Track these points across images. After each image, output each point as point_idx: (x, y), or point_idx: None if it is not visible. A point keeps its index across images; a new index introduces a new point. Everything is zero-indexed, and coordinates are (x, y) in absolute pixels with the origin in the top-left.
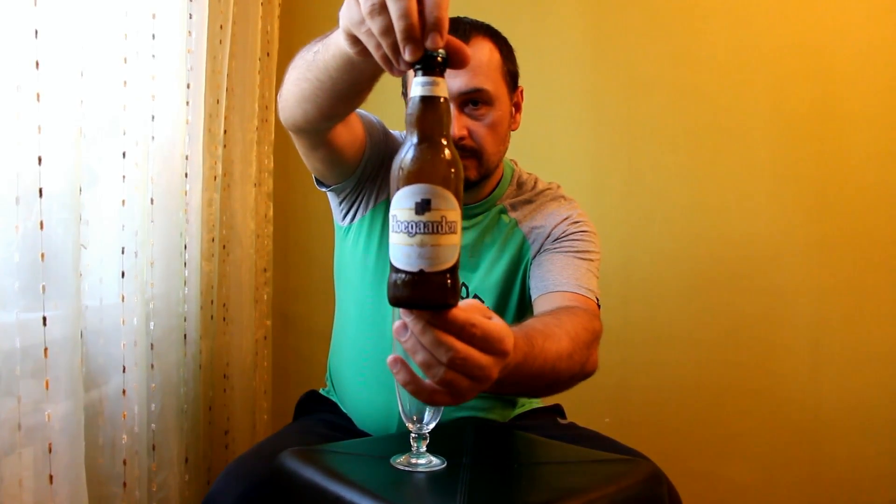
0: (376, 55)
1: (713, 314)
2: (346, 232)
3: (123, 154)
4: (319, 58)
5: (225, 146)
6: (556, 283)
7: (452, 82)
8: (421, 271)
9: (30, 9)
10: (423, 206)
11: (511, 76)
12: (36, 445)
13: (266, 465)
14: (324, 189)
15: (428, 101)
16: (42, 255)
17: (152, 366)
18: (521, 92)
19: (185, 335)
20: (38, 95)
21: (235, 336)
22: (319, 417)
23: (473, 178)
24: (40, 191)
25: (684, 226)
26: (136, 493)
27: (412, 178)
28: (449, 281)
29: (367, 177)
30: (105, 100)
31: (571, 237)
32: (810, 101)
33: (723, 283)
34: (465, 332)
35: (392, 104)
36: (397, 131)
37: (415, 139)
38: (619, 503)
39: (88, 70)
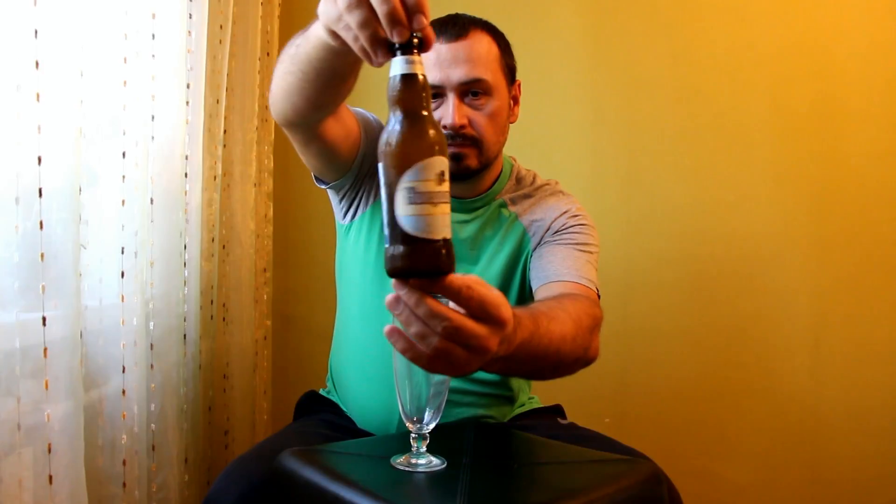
0: (355, 47)
1: (713, 314)
2: (347, 230)
3: (123, 154)
4: (301, 50)
5: (225, 146)
6: (556, 273)
7: (453, 73)
8: (417, 239)
9: (30, 9)
10: (416, 178)
11: (509, 69)
12: (36, 445)
13: (266, 465)
14: (323, 186)
15: (410, 78)
16: (42, 255)
17: (152, 366)
18: (519, 85)
19: (184, 335)
20: (37, 95)
21: (235, 336)
22: (319, 417)
23: (474, 167)
24: (40, 191)
25: (684, 226)
26: (135, 493)
27: (397, 152)
28: (444, 249)
29: (365, 173)
30: (105, 100)
31: (571, 230)
32: (810, 100)
33: (723, 282)
34: (462, 296)
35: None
36: None
37: (400, 115)
38: (619, 503)
39: (88, 70)
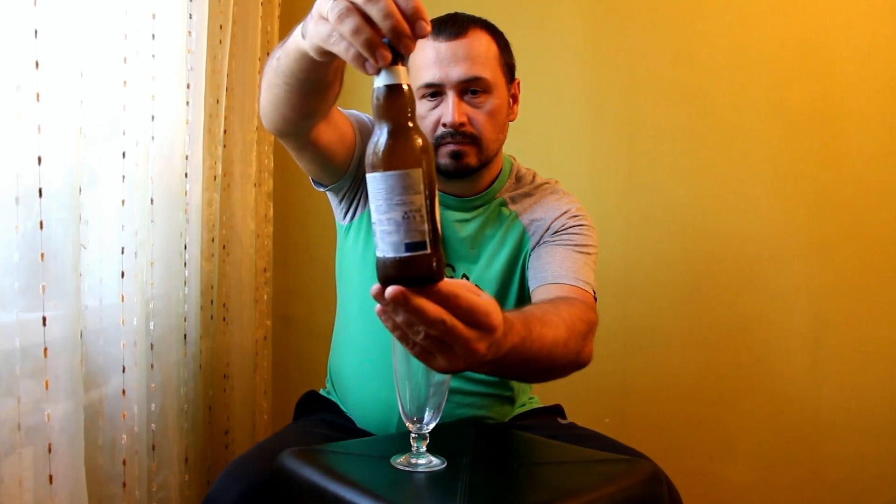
0: (347, 56)
1: (713, 314)
2: (347, 230)
3: (123, 154)
4: (283, 63)
5: (225, 146)
6: (554, 275)
7: (452, 71)
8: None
9: (30, 9)
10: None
11: (508, 67)
12: (36, 445)
13: (266, 465)
14: (322, 189)
15: (395, 89)
16: (42, 256)
17: (152, 366)
18: (518, 84)
19: (185, 335)
20: (37, 95)
21: (235, 336)
22: (319, 417)
23: (473, 165)
24: (40, 191)
25: (684, 226)
26: (136, 492)
27: (392, 162)
28: (434, 257)
29: (363, 174)
30: (105, 100)
31: (570, 230)
32: (810, 100)
33: (723, 282)
34: (451, 304)
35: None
36: None
37: (386, 126)
38: (618, 503)
39: (88, 70)
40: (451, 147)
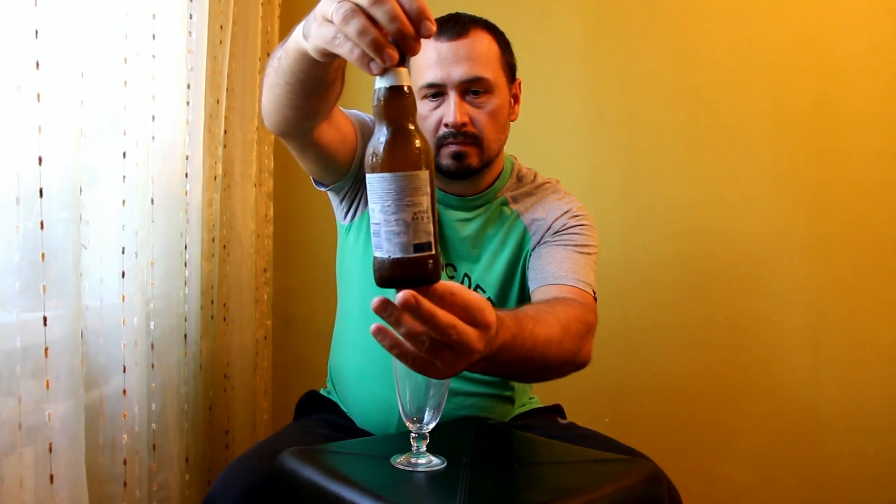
0: (352, 57)
1: (713, 314)
2: (348, 230)
3: (124, 154)
4: (283, 63)
5: (225, 146)
6: (554, 275)
7: (454, 71)
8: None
9: (30, 9)
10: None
11: (509, 68)
12: (36, 445)
13: (266, 465)
14: (323, 189)
15: (396, 91)
16: (42, 256)
17: (152, 366)
18: (520, 84)
19: (185, 335)
20: (38, 95)
21: (235, 336)
22: (319, 417)
23: (475, 165)
24: (40, 191)
25: (684, 225)
26: (136, 492)
27: (402, 163)
28: (431, 259)
29: (364, 174)
30: (105, 100)
31: (571, 231)
32: (810, 100)
33: (722, 282)
34: (446, 302)
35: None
36: None
37: (387, 128)
38: (618, 503)
39: (89, 70)
40: (452, 148)
